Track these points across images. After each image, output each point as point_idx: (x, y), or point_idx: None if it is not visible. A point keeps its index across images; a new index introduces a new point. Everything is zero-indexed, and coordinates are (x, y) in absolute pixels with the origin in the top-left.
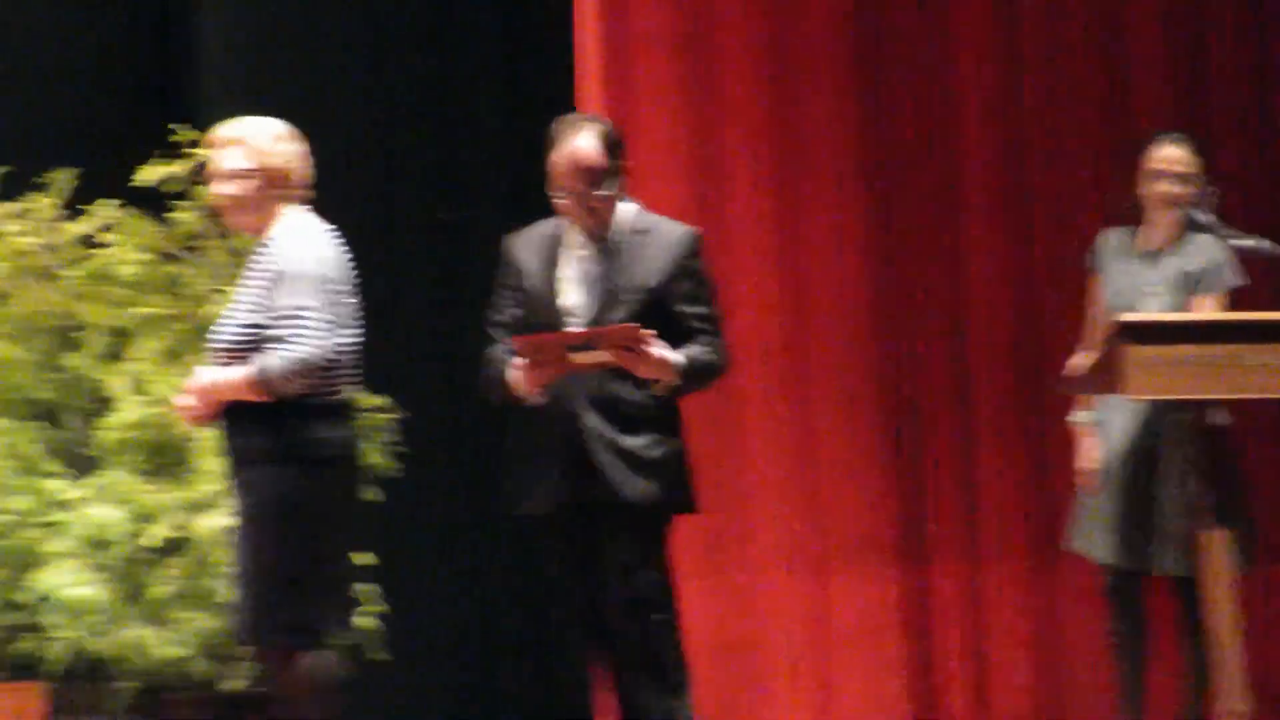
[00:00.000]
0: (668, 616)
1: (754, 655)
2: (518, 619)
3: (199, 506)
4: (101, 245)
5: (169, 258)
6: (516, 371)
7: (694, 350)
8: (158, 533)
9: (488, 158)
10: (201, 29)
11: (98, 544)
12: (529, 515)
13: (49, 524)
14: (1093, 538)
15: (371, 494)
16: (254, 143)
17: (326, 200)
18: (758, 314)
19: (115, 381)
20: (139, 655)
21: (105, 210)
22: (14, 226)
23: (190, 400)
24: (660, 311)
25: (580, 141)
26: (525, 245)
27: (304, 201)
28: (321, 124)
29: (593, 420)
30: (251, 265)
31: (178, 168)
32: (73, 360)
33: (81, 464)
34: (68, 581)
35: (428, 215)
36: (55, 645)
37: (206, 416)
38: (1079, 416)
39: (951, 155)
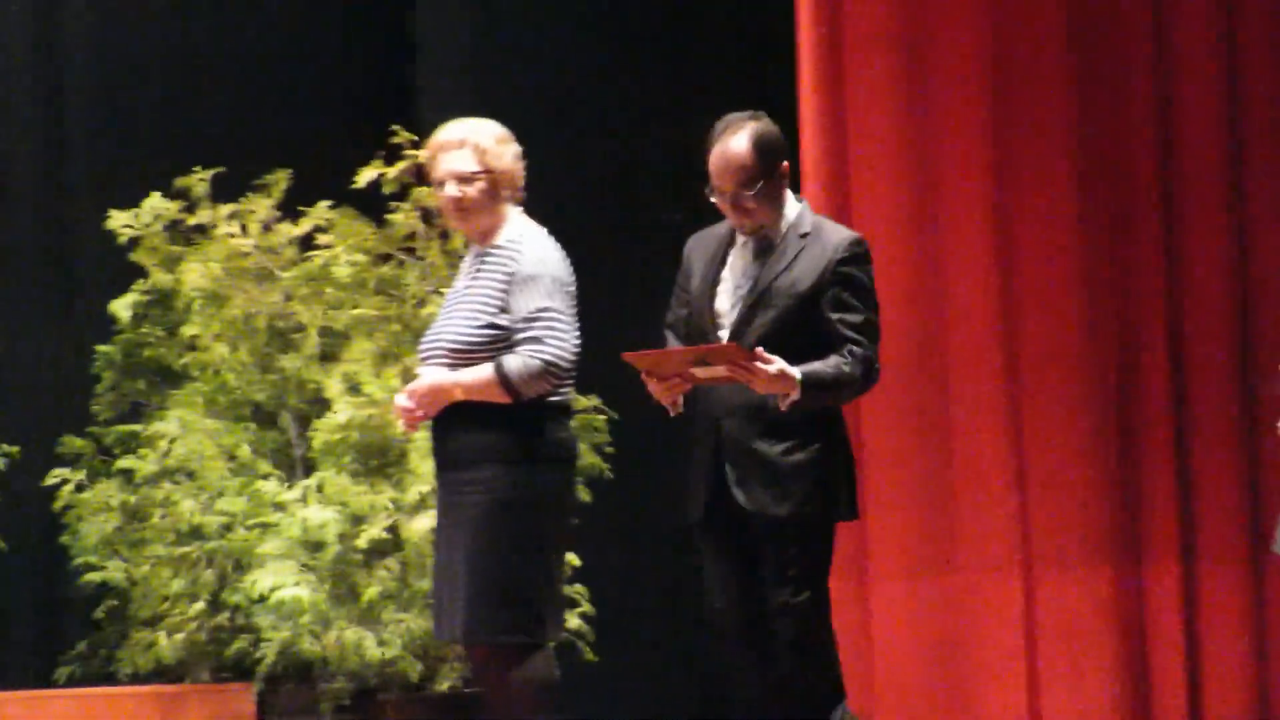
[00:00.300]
0: (803, 631)
1: (965, 655)
2: None
3: (411, 508)
4: (318, 246)
5: (385, 259)
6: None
7: (821, 364)
8: (369, 534)
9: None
10: (421, 31)
11: (310, 546)
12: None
13: (263, 525)
14: None
15: (584, 494)
16: (481, 145)
17: (547, 202)
18: (969, 313)
19: (329, 383)
20: (350, 656)
21: (321, 211)
22: (231, 228)
23: (410, 402)
24: (812, 316)
25: (732, 141)
26: (699, 245)
27: (520, 203)
28: (539, 124)
29: (732, 427)
30: (482, 268)
31: (394, 169)
32: (288, 361)
33: (295, 465)
34: (280, 583)
35: (650, 215)
36: (267, 647)
37: (427, 418)
38: None
39: (1169, 154)
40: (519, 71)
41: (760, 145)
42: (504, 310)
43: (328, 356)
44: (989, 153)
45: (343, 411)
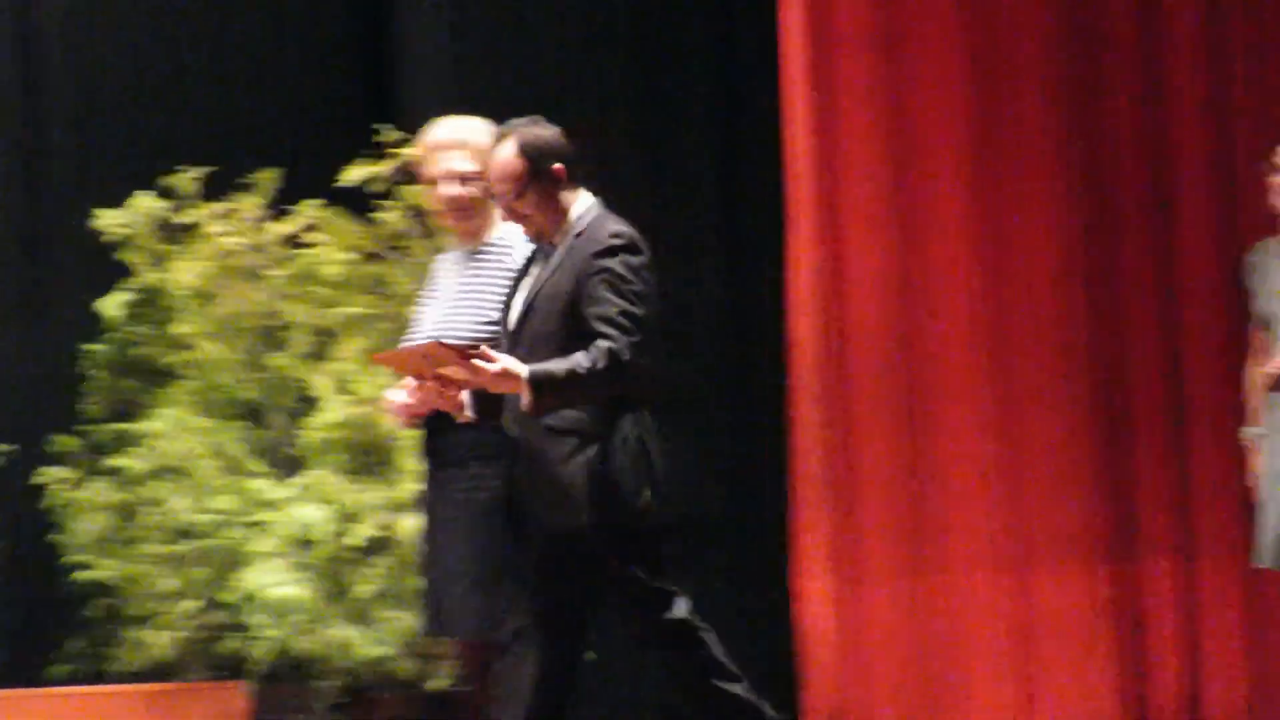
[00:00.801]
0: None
1: (953, 654)
2: (724, 621)
3: (402, 506)
4: (306, 245)
5: (373, 257)
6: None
7: (558, 360)
8: (361, 532)
9: (695, 156)
10: (407, 29)
11: (302, 544)
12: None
13: (254, 524)
14: (1257, 544)
15: None
16: (476, 145)
17: None
18: (958, 310)
19: (319, 381)
20: (343, 655)
21: (310, 210)
22: (220, 227)
23: (407, 399)
24: (578, 316)
25: (500, 149)
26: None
27: None
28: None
29: (520, 433)
30: (479, 266)
31: (382, 167)
32: (277, 360)
33: (286, 464)
34: (272, 581)
35: (621, 213)
36: (260, 645)
37: (422, 415)
38: (1244, 432)
39: (1156, 149)
40: (499, 69)
41: (526, 149)
42: (506, 307)
43: (317, 355)
44: (976, 148)
45: (332, 410)
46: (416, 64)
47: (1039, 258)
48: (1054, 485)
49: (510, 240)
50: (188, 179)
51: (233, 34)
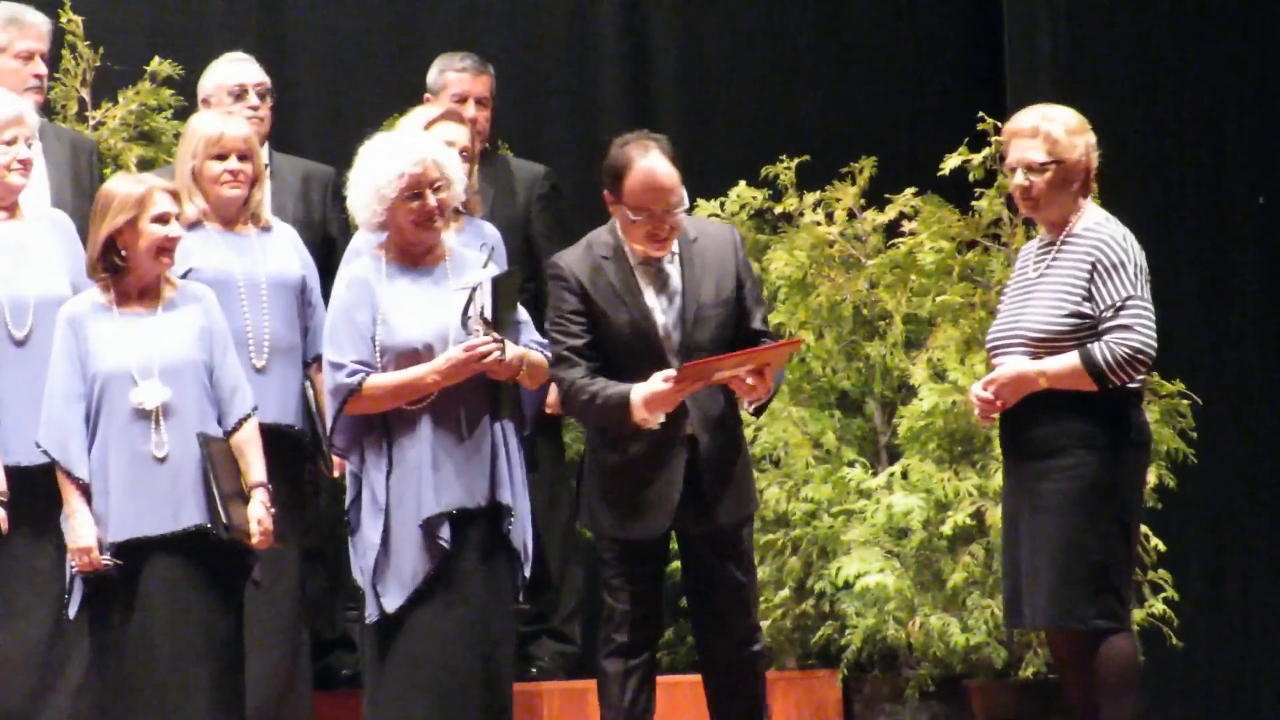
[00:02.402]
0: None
1: None
2: None
3: (995, 494)
4: (903, 234)
5: (970, 246)
6: (650, 397)
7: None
8: (955, 520)
9: None
10: (1017, 16)
11: (896, 532)
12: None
13: (848, 512)
14: None
15: (1170, 479)
16: (1052, 135)
17: (1129, 184)
18: None
19: (915, 370)
20: (936, 643)
21: (907, 199)
22: (817, 215)
23: (989, 393)
24: (738, 313)
25: (660, 163)
26: (587, 268)
27: (1090, 192)
28: (1124, 111)
29: (706, 441)
30: (1059, 256)
31: (980, 156)
32: (873, 348)
33: (881, 452)
34: (866, 569)
35: (1233, 199)
36: (853, 633)
37: (1006, 408)
38: None
39: None
40: (1103, 58)
41: (676, 163)
42: (1088, 299)
43: (912, 344)
44: None
45: (927, 398)
46: (1025, 52)
47: None
48: None
49: (1100, 231)
50: (785, 169)
51: (837, 24)
